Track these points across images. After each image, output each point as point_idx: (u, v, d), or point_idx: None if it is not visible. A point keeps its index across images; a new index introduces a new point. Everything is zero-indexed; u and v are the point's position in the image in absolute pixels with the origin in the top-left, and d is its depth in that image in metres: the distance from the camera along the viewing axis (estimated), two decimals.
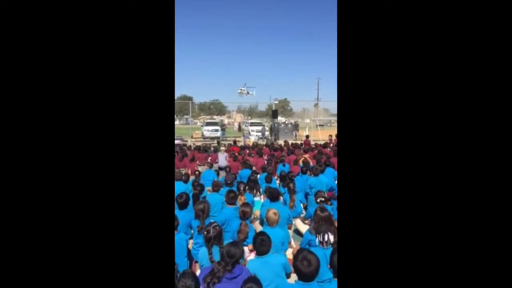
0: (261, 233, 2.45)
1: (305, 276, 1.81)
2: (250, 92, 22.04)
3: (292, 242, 3.65)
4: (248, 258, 2.77)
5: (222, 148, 10.24)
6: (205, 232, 2.51)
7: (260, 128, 18.23)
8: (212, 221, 2.78)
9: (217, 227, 2.53)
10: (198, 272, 2.54)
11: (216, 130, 18.54)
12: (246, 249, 2.93)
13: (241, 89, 21.62)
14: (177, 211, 3.40)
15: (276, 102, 19.52)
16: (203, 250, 2.57)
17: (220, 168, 8.47)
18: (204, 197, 4.31)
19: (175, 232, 2.83)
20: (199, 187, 4.57)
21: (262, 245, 2.30)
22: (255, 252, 3.01)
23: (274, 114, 15.96)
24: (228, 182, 4.81)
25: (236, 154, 8.86)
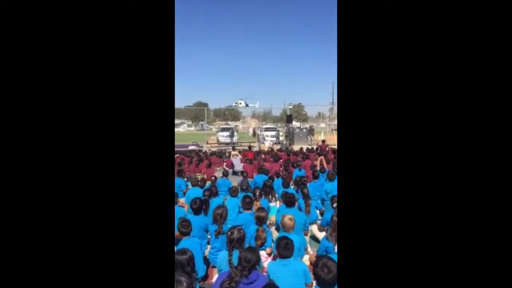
0: (285, 237, 2.45)
1: (325, 283, 1.81)
2: (250, 104, 21.61)
3: (309, 249, 3.61)
4: (266, 263, 2.77)
5: (234, 152, 10.28)
6: (229, 233, 2.53)
7: (274, 133, 18.21)
8: (236, 224, 2.81)
9: (241, 231, 2.56)
10: (215, 277, 2.56)
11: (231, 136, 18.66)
12: (263, 253, 2.94)
13: (236, 103, 21.32)
14: (191, 216, 3.45)
15: (291, 107, 19.47)
16: (223, 253, 2.59)
17: (235, 173, 8.53)
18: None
19: (188, 237, 2.89)
20: (207, 191, 4.60)
21: (286, 249, 2.31)
22: (272, 257, 3.01)
23: (289, 119, 15.95)
24: (244, 187, 4.83)
25: (251, 158, 8.90)
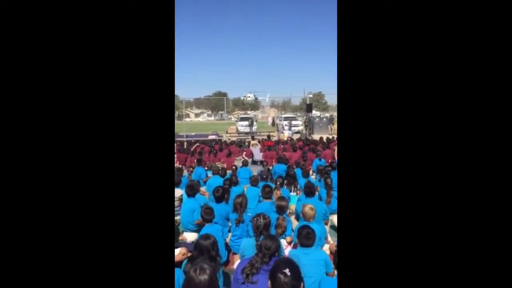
0: (306, 226, 2.47)
1: None
2: (260, 98, 21.25)
3: (329, 238, 3.61)
4: (286, 251, 2.81)
5: (254, 142, 10.32)
6: (255, 220, 2.59)
7: (286, 122, 17.99)
8: (259, 212, 2.86)
9: (266, 217, 2.61)
10: (236, 263, 2.63)
11: (250, 125, 18.65)
12: (283, 241, 2.97)
13: (244, 96, 21.11)
14: (213, 204, 3.54)
15: (311, 95, 19.09)
16: (248, 240, 2.66)
17: (254, 162, 8.60)
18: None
19: (210, 223, 2.99)
20: (228, 181, 4.69)
21: (308, 238, 2.33)
22: (292, 245, 3.04)
23: (309, 108, 15.70)
24: (264, 176, 4.87)
25: (271, 145, 8.90)
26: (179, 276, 1.97)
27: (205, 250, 2.13)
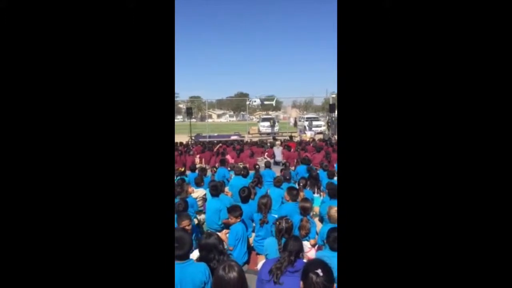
0: (336, 229, 2.45)
1: None
2: (267, 102, 21.27)
3: None
4: (309, 254, 2.80)
5: (277, 142, 10.34)
6: (277, 223, 2.63)
7: (316, 123, 17.79)
8: (281, 215, 2.89)
9: (289, 221, 2.63)
10: (260, 264, 2.66)
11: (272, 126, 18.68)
12: (307, 243, 2.97)
13: (250, 100, 21.23)
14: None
15: (333, 95, 18.75)
16: (272, 239, 2.69)
17: (276, 163, 8.60)
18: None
19: (239, 221, 3.09)
20: (256, 178, 4.73)
21: (337, 242, 2.31)
22: (316, 247, 3.03)
23: (331, 108, 15.44)
24: (287, 177, 4.86)
25: (290, 145, 8.87)
26: (204, 269, 2.05)
27: (212, 247, 2.20)
